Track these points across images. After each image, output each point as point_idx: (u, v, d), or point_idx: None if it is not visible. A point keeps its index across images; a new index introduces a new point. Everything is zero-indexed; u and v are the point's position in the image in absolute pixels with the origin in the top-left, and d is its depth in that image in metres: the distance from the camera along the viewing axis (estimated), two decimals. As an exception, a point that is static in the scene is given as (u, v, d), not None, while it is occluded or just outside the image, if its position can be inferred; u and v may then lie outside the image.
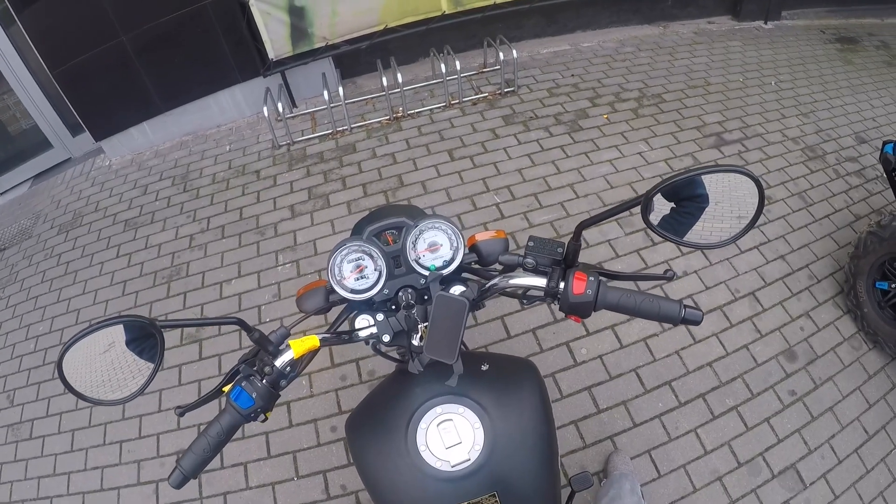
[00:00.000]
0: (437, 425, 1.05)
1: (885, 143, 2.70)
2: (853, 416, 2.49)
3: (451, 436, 1.03)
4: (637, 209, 0.97)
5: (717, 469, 2.29)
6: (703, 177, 0.93)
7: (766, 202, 0.94)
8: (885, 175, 2.80)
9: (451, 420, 1.05)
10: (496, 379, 1.14)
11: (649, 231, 1.03)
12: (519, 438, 1.08)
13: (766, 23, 5.58)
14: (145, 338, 0.93)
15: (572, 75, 4.61)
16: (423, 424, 1.05)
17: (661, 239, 1.07)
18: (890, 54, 5.25)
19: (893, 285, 2.57)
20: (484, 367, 1.15)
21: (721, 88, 4.43)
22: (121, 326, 0.90)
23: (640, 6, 5.31)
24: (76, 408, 2.75)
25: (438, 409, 1.06)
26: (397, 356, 1.33)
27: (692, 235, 1.00)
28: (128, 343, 0.92)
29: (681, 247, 1.05)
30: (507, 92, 4.40)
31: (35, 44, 3.75)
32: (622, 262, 3.00)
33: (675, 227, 1.00)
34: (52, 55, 3.81)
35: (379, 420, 1.13)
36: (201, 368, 2.76)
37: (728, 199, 0.96)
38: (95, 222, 3.85)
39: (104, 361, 0.92)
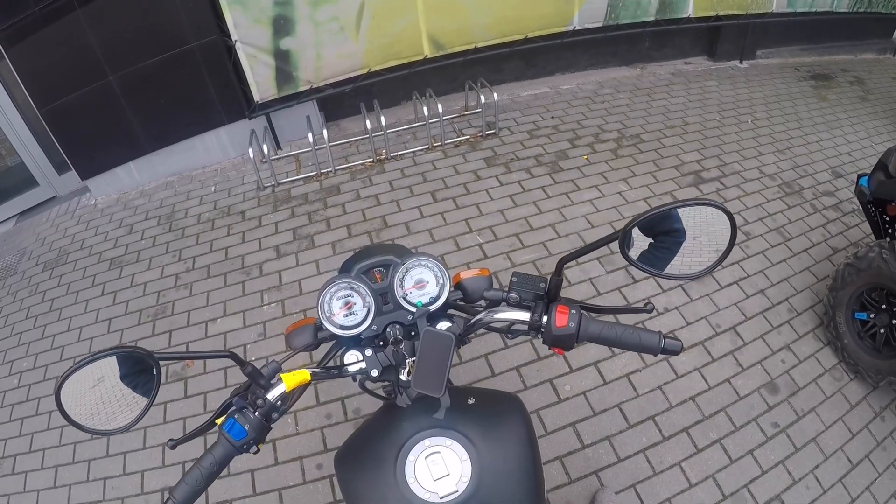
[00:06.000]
0: (426, 458, 1.06)
1: (859, 177, 2.77)
2: (836, 446, 2.50)
3: (439, 468, 1.05)
4: (614, 244, 1.02)
5: (702, 502, 2.29)
6: (678, 210, 0.98)
7: (738, 234, 0.99)
8: (860, 208, 2.86)
9: (439, 452, 1.06)
10: (483, 412, 1.15)
11: (630, 269, 1.08)
12: (506, 471, 1.09)
13: (741, 62, 5.75)
14: (141, 370, 0.97)
15: (552, 117, 4.71)
16: (411, 457, 1.06)
17: (642, 276, 1.12)
18: (864, 89, 5.41)
19: (872, 315, 2.60)
20: (470, 402, 1.16)
21: (698, 128, 4.54)
22: (117, 358, 0.94)
23: (617, 49, 5.45)
24: (59, 444, 2.73)
25: (426, 441, 1.07)
26: (383, 394, 1.35)
27: (671, 269, 1.05)
28: (124, 375, 0.96)
29: (659, 280, 1.09)
30: (489, 134, 4.49)
31: (23, 81, 3.77)
32: (604, 300, 3.03)
33: (653, 260, 1.05)
34: (40, 93, 3.84)
35: (368, 454, 1.14)
36: (187, 406, 2.75)
37: (704, 232, 1.01)
38: (81, 260, 3.86)
39: (101, 392, 0.95)
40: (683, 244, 1.02)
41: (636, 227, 0.99)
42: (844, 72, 5.79)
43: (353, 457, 1.19)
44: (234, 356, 1.01)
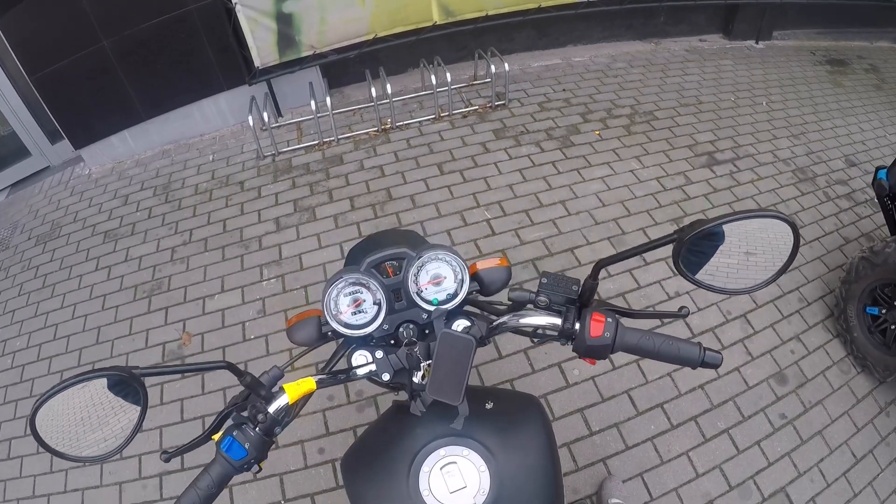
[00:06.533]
0: (441, 468, 1.00)
1: (878, 169, 2.71)
2: (842, 439, 2.49)
3: (455, 480, 0.99)
4: (656, 249, 0.95)
5: (708, 492, 2.28)
6: (733, 223, 0.89)
7: (799, 244, 0.92)
8: (876, 200, 2.81)
9: (456, 463, 1.00)
10: (501, 418, 1.09)
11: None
12: (526, 481, 1.03)
13: (757, 42, 5.63)
14: (125, 388, 0.87)
15: (564, 90, 4.61)
16: (425, 468, 1.00)
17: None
18: (879, 78, 5.31)
19: (884, 311, 2.58)
20: (488, 406, 1.10)
21: (713, 107, 4.45)
22: (98, 379, 0.84)
23: (632, 22, 5.33)
24: (50, 471, 2.59)
25: (442, 451, 1.01)
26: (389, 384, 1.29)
27: (715, 279, 0.97)
28: (107, 395, 0.86)
29: (709, 292, 1.01)
30: (498, 105, 4.39)
31: (13, 48, 3.65)
32: (614, 282, 2.99)
33: (697, 268, 0.96)
34: (31, 60, 3.72)
35: (378, 462, 1.08)
36: (184, 387, 2.70)
37: (754, 242, 0.93)
38: (74, 233, 3.76)
39: (82, 415, 0.86)
40: (732, 255, 0.93)
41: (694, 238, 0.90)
42: (860, 59, 5.68)
43: (362, 463, 1.12)
44: (230, 367, 0.93)
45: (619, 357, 2.68)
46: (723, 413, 2.52)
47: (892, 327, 2.53)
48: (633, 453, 2.37)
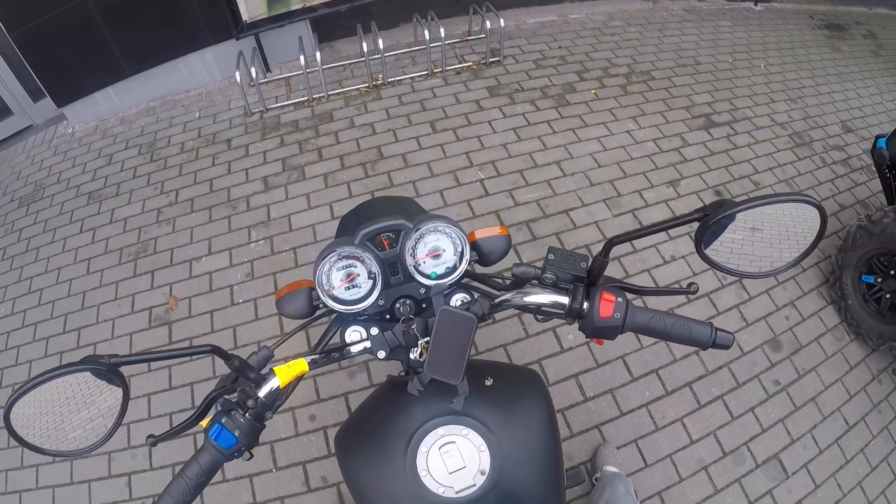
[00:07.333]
0: (439, 448, 0.96)
1: (877, 138, 2.69)
2: (834, 406, 2.51)
3: (454, 459, 0.95)
4: (671, 229, 0.89)
5: (702, 458, 2.28)
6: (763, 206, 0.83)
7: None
8: (875, 168, 2.79)
9: (455, 442, 0.96)
10: (501, 395, 1.04)
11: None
12: (527, 460, 1.00)
13: (756, 4, 5.54)
14: (105, 377, 0.81)
15: (560, 47, 4.49)
16: (423, 447, 0.96)
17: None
18: (877, 44, 5.27)
19: (879, 280, 2.58)
20: (488, 382, 1.05)
21: (710, 69, 4.37)
22: (75, 372, 0.78)
23: (630, -21, 5.19)
24: (21, 466, 2.50)
25: (441, 430, 0.97)
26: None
27: (738, 263, 0.91)
28: (86, 385, 0.81)
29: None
30: (492, 62, 4.27)
31: None
32: (613, 251, 2.93)
33: (715, 248, 0.91)
34: (11, 16, 3.53)
35: (374, 440, 1.03)
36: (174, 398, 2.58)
37: (776, 224, 0.88)
38: (58, 195, 3.63)
39: (60, 409, 0.80)
40: (755, 237, 0.88)
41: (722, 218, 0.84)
42: (858, 24, 5.62)
43: (357, 441, 1.08)
44: (216, 350, 0.87)
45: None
46: (717, 379, 2.51)
47: (887, 296, 2.55)
48: (627, 419, 2.36)
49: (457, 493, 0.93)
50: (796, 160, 3.60)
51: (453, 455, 0.95)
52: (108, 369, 0.79)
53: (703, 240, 0.87)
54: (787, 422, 2.43)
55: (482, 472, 0.94)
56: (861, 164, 3.67)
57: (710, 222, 0.84)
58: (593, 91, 3.98)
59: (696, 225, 0.87)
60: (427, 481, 0.94)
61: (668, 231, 2.93)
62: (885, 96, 4.48)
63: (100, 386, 0.81)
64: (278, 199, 3.29)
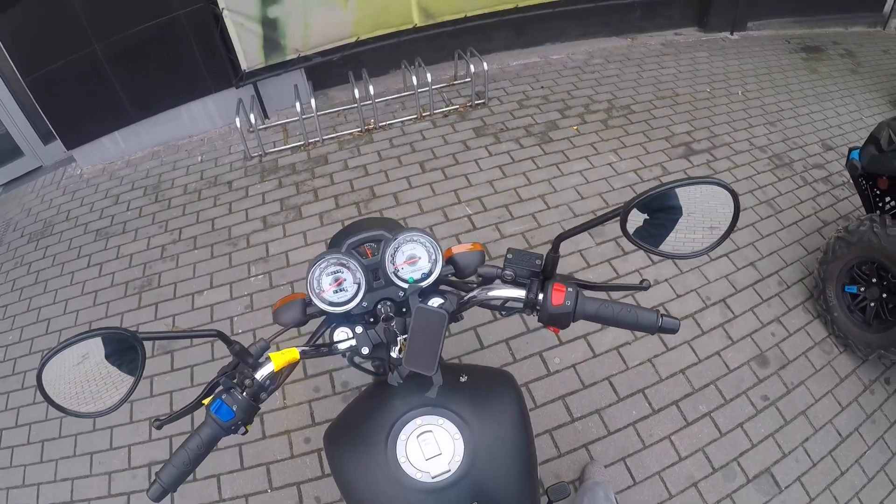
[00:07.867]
0: (417, 437, 1.05)
1: (851, 150, 2.75)
2: (826, 419, 2.51)
3: (431, 447, 1.04)
4: (612, 221, 0.99)
5: (692, 475, 2.29)
6: (676, 189, 0.95)
7: (740, 212, 0.96)
8: (851, 181, 2.84)
9: (431, 431, 1.05)
10: (475, 390, 1.14)
11: (620, 240, 1.05)
12: (499, 449, 1.08)
13: (732, 34, 5.68)
14: (125, 350, 0.94)
15: (542, 87, 4.64)
16: (402, 436, 1.05)
17: (632, 249, 1.09)
18: (854, 62, 5.38)
19: (862, 289, 2.60)
20: (462, 379, 1.15)
21: (689, 99, 4.48)
22: (100, 339, 0.91)
23: (609, 18, 5.35)
24: (46, 418, 2.68)
25: (418, 420, 1.06)
26: (372, 369, 1.33)
27: (666, 246, 1.02)
28: (107, 355, 0.93)
29: (654, 256, 1.07)
30: (478, 104, 4.41)
31: (8, 50, 3.69)
32: (594, 272, 3.00)
33: (650, 237, 1.02)
34: (25, 62, 3.75)
35: (358, 432, 1.13)
36: (174, 380, 2.70)
37: (701, 209, 0.98)
38: (66, 231, 3.78)
39: (84, 373, 0.92)
40: (681, 222, 0.99)
41: (635, 207, 0.95)
42: (835, 44, 5.74)
43: (343, 434, 1.18)
44: (221, 335, 0.99)
45: (599, 344, 2.69)
46: (704, 396, 2.53)
47: (872, 305, 2.56)
48: (615, 438, 2.38)
49: (433, 477, 1.01)
50: (777, 181, 3.67)
51: (430, 443, 1.04)
52: (131, 336, 0.91)
53: (626, 225, 0.98)
54: (778, 436, 2.43)
55: (457, 459, 1.03)
56: (843, 180, 3.72)
57: (628, 208, 0.95)
58: (575, 127, 4.10)
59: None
60: (406, 467, 1.02)
61: (650, 256, 3.00)
62: (864, 112, 4.56)
63: (120, 355, 0.94)
64: (276, 236, 3.41)
